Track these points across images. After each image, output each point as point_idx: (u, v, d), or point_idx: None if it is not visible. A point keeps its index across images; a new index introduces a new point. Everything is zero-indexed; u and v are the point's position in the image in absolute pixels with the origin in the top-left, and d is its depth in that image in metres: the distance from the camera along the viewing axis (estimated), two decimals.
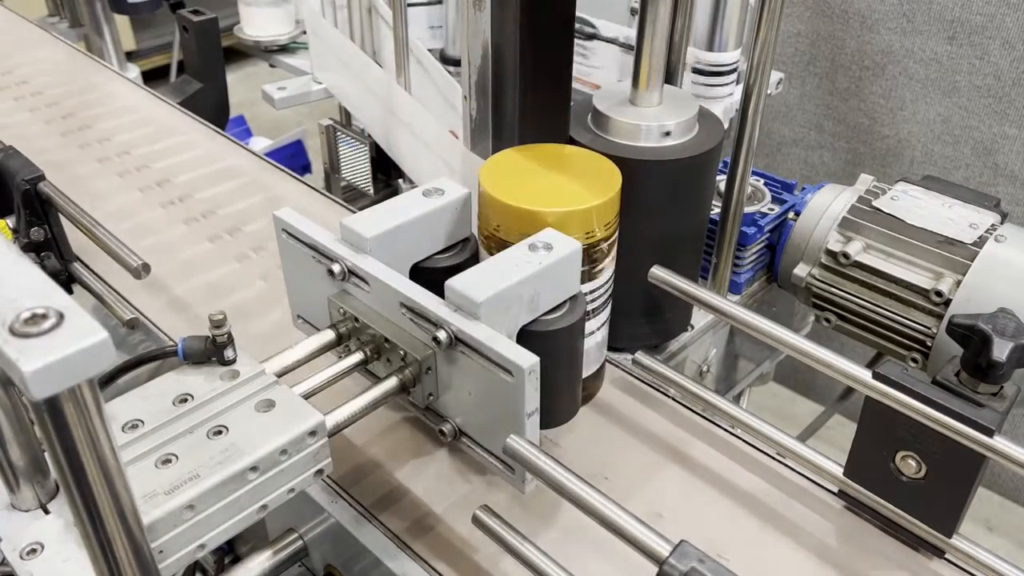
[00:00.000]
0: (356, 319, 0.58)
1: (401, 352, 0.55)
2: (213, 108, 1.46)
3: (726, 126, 0.78)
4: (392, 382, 0.56)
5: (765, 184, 0.95)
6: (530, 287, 0.54)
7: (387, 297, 0.56)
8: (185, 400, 0.51)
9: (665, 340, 0.82)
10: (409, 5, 1.00)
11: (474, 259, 0.63)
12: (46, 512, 0.47)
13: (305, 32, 1.47)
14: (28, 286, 0.32)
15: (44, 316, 0.30)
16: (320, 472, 0.53)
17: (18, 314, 0.30)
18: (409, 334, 0.55)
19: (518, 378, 0.49)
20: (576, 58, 0.96)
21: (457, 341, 0.52)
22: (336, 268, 0.57)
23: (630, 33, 1.03)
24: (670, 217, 0.73)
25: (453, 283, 0.53)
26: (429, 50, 1.08)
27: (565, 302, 0.56)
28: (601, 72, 0.94)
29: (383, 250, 0.58)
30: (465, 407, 0.55)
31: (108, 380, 0.56)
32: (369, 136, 1.35)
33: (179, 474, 0.46)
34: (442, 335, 0.52)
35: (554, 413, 0.58)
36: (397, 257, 0.59)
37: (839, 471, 0.61)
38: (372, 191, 1.43)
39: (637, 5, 0.71)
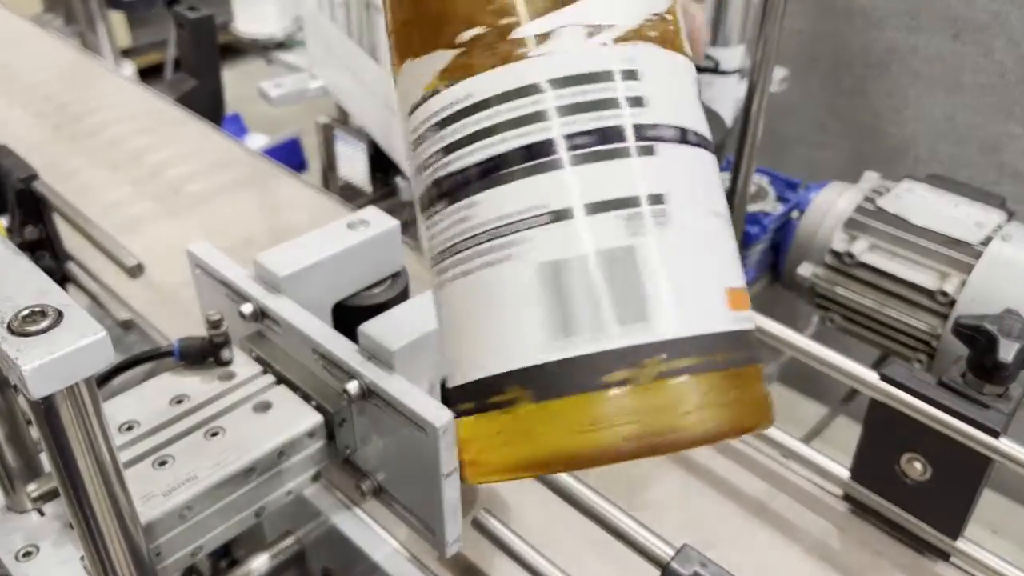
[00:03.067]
0: (270, 364, 0.53)
1: (314, 403, 0.51)
2: (209, 105, 1.45)
3: None
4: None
5: (769, 182, 0.95)
6: None
7: (299, 342, 0.52)
8: (181, 401, 0.50)
9: None
10: None
11: (405, 294, 0.58)
12: (41, 514, 0.47)
13: (302, 29, 1.46)
14: (27, 284, 0.32)
15: (43, 314, 0.30)
16: (318, 475, 0.52)
17: (17, 312, 0.30)
18: (323, 383, 0.51)
19: (431, 436, 0.45)
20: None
21: (370, 393, 0.48)
22: (247, 309, 0.53)
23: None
24: None
25: (367, 329, 0.49)
26: None
27: None
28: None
29: (300, 289, 0.54)
30: (384, 462, 0.51)
31: (103, 380, 0.55)
32: (367, 134, 1.34)
33: (176, 475, 0.46)
34: (352, 387, 0.47)
35: None
36: (317, 296, 0.55)
37: (844, 473, 0.60)
38: (370, 190, 1.42)
39: None
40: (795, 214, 0.90)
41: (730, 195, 0.79)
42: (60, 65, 1.28)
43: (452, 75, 0.25)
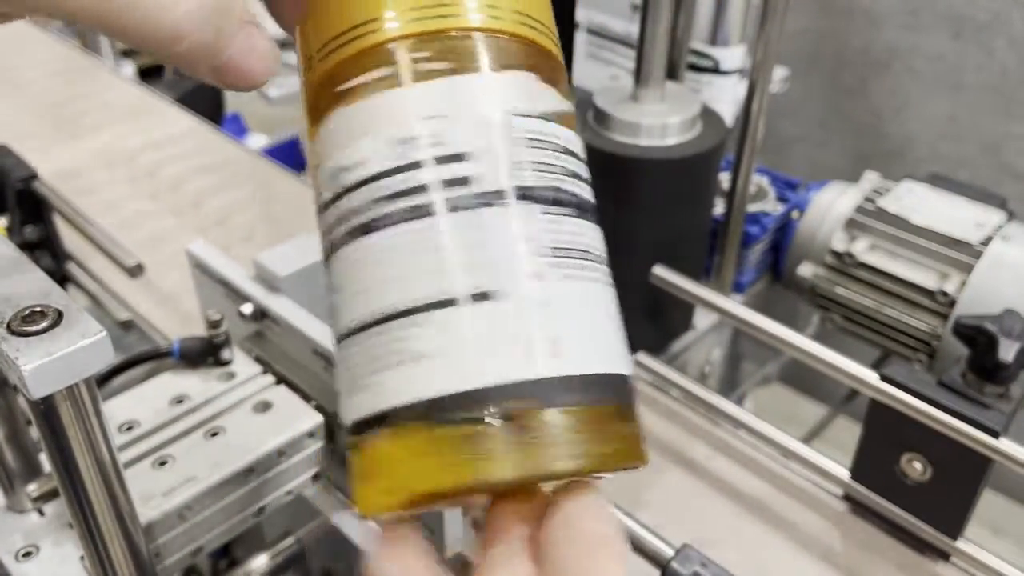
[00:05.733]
0: (270, 364, 0.53)
1: (314, 403, 0.51)
2: (209, 105, 1.45)
3: None
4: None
5: (769, 182, 0.95)
6: None
7: (299, 342, 0.51)
8: (181, 401, 0.50)
9: (667, 341, 0.81)
10: None
11: None
12: (41, 514, 0.46)
13: None
14: (26, 284, 0.31)
15: (42, 314, 0.30)
16: (318, 475, 0.52)
17: (16, 312, 0.30)
18: (323, 383, 0.51)
19: None
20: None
21: None
22: (247, 309, 0.53)
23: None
24: (672, 216, 0.72)
25: None
26: None
27: None
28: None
29: (301, 289, 0.53)
30: None
31: (103, 380, 0.55)
32: None
33: (176, 475, 0.46)
34: None
35: None
36: (317, 296, 0.53)
37: (844, 473, 0.60)
38: None
39: (639, 1, 0.70)
40: (795, 214, 0.90)
41: (730, 195, 0.79)
42: (60, 65, 1.28)
43: (573, 128, 0.28)
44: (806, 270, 0.87)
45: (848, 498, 0.61)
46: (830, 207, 0.86)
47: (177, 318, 0.77)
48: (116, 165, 1.03)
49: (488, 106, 0.25)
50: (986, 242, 0.78)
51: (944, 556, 0.58)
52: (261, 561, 0.57)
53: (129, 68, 1.57)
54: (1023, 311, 0.56)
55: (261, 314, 0.54)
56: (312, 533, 0.59)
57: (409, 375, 0.25)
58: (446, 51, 0.26)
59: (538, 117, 0.26)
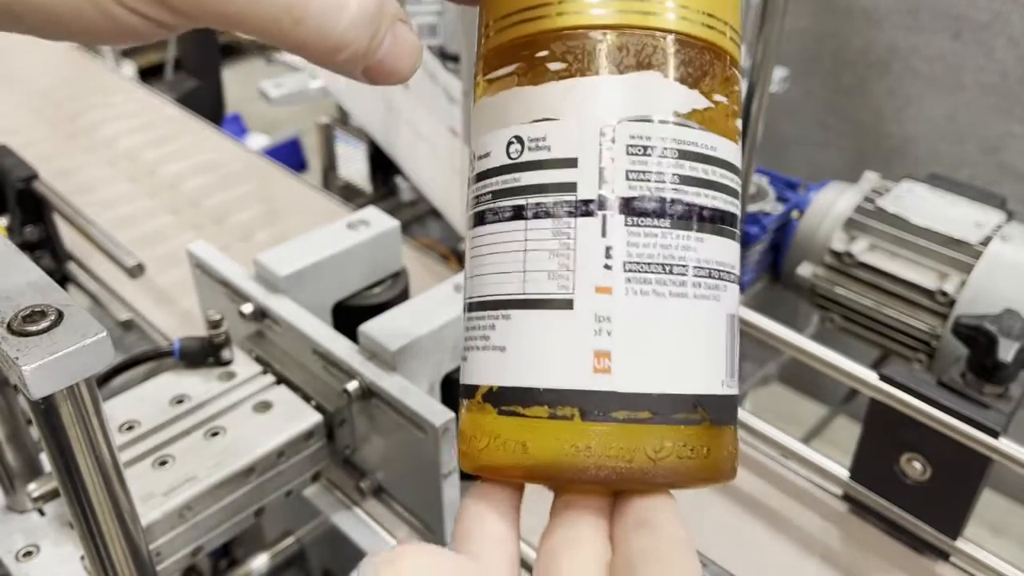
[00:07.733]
0: (270, 364, 0.53)
1: (314, 403, 0.51)
2: (209, 105, 1.45)
3: None
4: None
5: (769, 182, 0.95)
6: (455, 330, 0.50)
7: (299, 342, 0.52)
8: (181, 401, 0.50)
9: None
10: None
11: (405, 294, 0.59)
12: (41, 514, 0.46)
13: None
14: (27, 284, 0.31)
15: (43, 314, 0.30)
16: (318, 475, 0.52)
17: (17, 312, 0.30)
18: (323, 383, 0.51)
19: (431, 436, 0.45)
20: None
21: (370, 393, 0.48)
22: (247, 309, 0.53)
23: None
24: None
25: (367, 329, 0.49)
26: (428, 47, 1.07)
27: None
28: None
29: (300, 289, 0.54)
30: (384, 462, 0.51)
31: (103, 380, 0.55)
32: (367, 134, 1.34)
33: (176, 475, 0.46)
34: (352, 387, 0.48)
35: None
36: (317, 295, 0.55)
37: (843, 473, 0.60)
38: (370, 190, 1.42)
39: None
40: (795, 214, 0.90)
41: None
42: (61, 65, 1.28)
43: (709, 126, 0.28)
44: (806, 270, 0.87)
45: (848, 498, 0.61)
46: (830, 207, 0.86)
47: (177, 318, 0.77)
48: (116, 165, 1.03)
49: (594, 111, 0.26)
50: (985, 242, 0.78)
51: (944, 556, 0.58)
52: (261, 561, 0.57)
53: (129, 68, 1.56)
54: (1023, 311, 0.56)
55: (261, 314, 0.54)
56: (312, 533, 0.59)
57: (486, 361, 0.28)
58: (566, 52, 0.26)
59: (654, 122, 0.26)
